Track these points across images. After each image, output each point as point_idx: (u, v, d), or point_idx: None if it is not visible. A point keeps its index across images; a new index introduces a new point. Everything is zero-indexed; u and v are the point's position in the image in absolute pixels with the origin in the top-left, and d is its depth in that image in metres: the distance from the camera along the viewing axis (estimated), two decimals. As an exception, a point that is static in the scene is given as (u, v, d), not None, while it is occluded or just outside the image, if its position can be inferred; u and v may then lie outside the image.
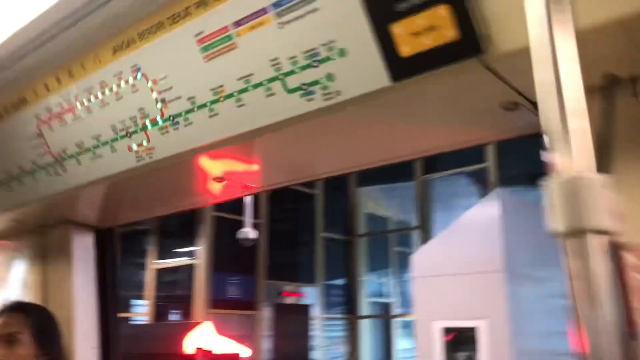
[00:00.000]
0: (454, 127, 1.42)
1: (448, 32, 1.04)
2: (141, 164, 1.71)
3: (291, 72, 1.29)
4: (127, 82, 1.63)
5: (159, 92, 1.56)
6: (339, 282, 10.94)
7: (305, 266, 10.43)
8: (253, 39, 1.33)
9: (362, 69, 1.17)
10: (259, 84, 1.36)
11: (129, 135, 1.70)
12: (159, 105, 1.58)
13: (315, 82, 1.25)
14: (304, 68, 1.26)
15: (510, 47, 1.00)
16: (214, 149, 1.55)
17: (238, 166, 1.80)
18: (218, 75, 1.42)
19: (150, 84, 1.57)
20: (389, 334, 11.19)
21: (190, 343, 2.90)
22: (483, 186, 10.09)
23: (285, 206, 10.31)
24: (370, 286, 11.44)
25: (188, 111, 1.52)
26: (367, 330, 10.73)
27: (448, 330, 6.76)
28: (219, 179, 1.87)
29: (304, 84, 1.28)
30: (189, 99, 1.51)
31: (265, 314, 9.60)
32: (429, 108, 1.31)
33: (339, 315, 10.71)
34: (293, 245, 10.67)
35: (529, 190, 9.22)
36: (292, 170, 1.85)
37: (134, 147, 1.70)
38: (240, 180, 1.91)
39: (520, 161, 9.12)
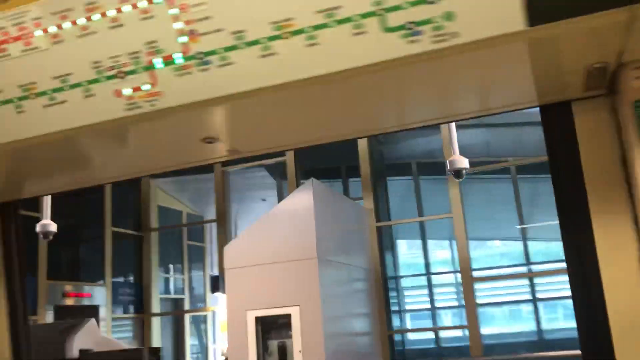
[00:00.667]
0: (525, 85, 1.42)
1: None
2: (132, 114, 1.39)
3: (396, 8, 1.15)
4: (134, 5, 1.31)
5: (188, 22, 1.30)
6: (130, 279, 10.25)
7: (93, 264, 9.55)
8: None
9: (494, 9, 1.10)
10: (347, 20, 1.19)
11: (121, 75, 1.38)
12: (183, 38, 1.31)
13: (427, 21, 1.15)
14: (415, 4, 1.15)
15: None
16: (256, 96, 1.33)
17: (243, 124, 1.58)
18: (287, 6, 1.23)
19: (175, 10, 1.29)
20: (181, 331, 10.83)
21: (73, 345, 2.43)
22: (280, 179, 10.39)
23: (68, 197, 9.29)
24: (162, 283, 10.94)
25: (230, 48, 1.28)
26: (158, 328, 10.25)
27: (261, 320, 6.81)
28: (210, 140, 1.61)
29: (410, 23, 1.18)
30: (235, 33, 1.27)
31: (47, 317, 8.55)
32: (522, 58, 1.27)
33: (130, 315, 10.04)
34: (78, 241, 9.67)
35: (326, 183, 9.76)
36: (336, 127, 1.65)
37: (127, 91, 1.38)
38: (239, 141, 1.67)
39: (316, 156, 9.60)
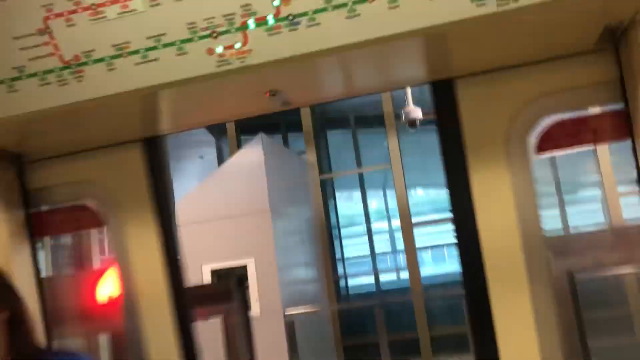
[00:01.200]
0: (542, 36, 1.67)
1: None
2: (222, 70, 1.55)
3: None
4: None
5: None
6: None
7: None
8: None
9: None
10: None
11: (214, 35, 1.53)
12: (276, 2, 1.49)
13: None
14: None
15: None
16: (337, 54, 1.53)
17: (309, 78, 1.76)
18: None
19: None
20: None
21: (101, 292, 2.46)
22: (219, 136, 10.40)
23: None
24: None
25: (319, 10, 1.47)
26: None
27: (217, 272, 6.98)
28: (274, 92, 1.79)
29: None
30: None
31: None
32: (562, 17, 1.51)
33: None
34: None
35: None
36: (388, 78, 1.86)
37: (218, 49, 1.54)
38: (297, 94, 1.84)
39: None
